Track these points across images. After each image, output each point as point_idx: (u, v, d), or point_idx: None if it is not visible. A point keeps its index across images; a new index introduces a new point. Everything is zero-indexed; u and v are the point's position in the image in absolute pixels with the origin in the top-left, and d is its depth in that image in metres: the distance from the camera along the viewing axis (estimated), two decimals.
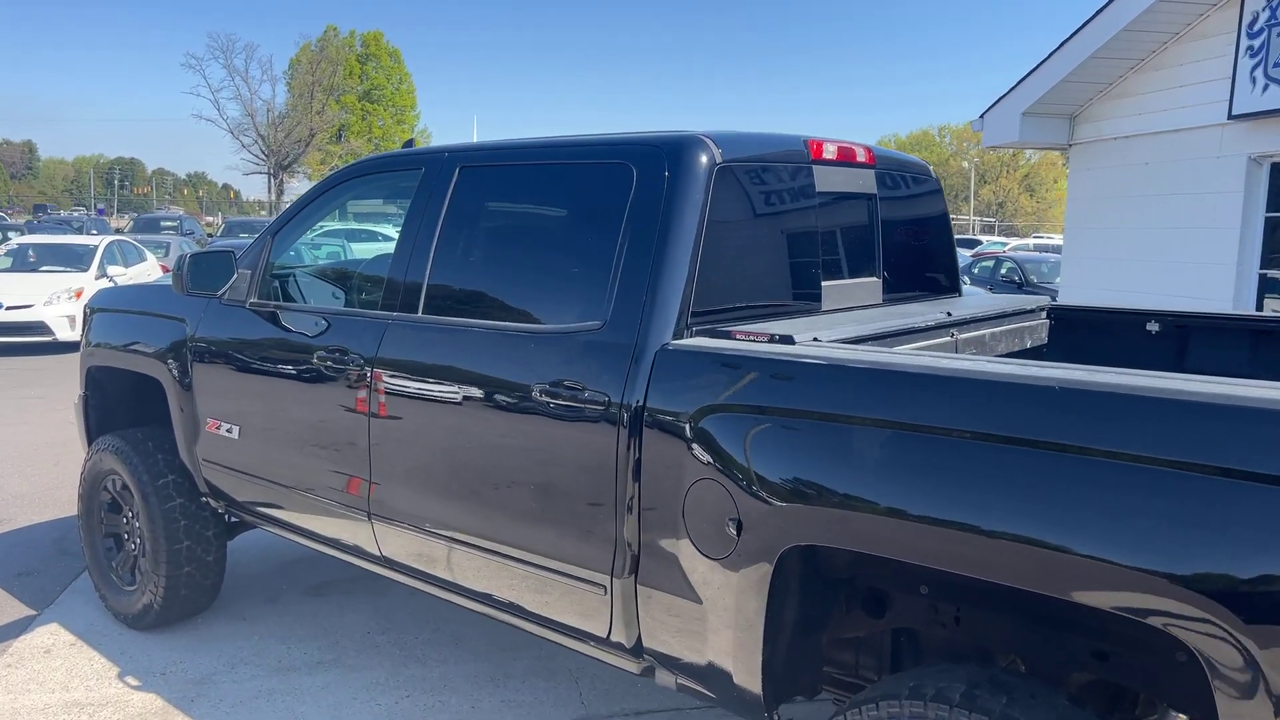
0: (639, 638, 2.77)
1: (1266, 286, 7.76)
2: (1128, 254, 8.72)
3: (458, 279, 3.40)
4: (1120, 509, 1.88)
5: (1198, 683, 1.89)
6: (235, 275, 4.03)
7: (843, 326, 2.90)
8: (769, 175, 3.11)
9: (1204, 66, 7.81)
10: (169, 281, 4.25)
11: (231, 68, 48.17)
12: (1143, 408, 1.92)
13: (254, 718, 3.84)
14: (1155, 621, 1.85)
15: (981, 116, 9.91)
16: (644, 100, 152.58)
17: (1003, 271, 18.12)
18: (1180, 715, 2.45)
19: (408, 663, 4.29)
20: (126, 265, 16.02)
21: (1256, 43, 7.16)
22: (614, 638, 2.83)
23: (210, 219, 67.37)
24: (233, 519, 4.53)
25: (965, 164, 75.15)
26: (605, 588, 2.78)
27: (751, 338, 2.65)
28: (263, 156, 48.76)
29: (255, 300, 3.98)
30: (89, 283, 14.14)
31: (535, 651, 4.34)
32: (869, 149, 3.50)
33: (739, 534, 2.42)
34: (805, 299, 3.20)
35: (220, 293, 4.07)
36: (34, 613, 4.84)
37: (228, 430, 4.08)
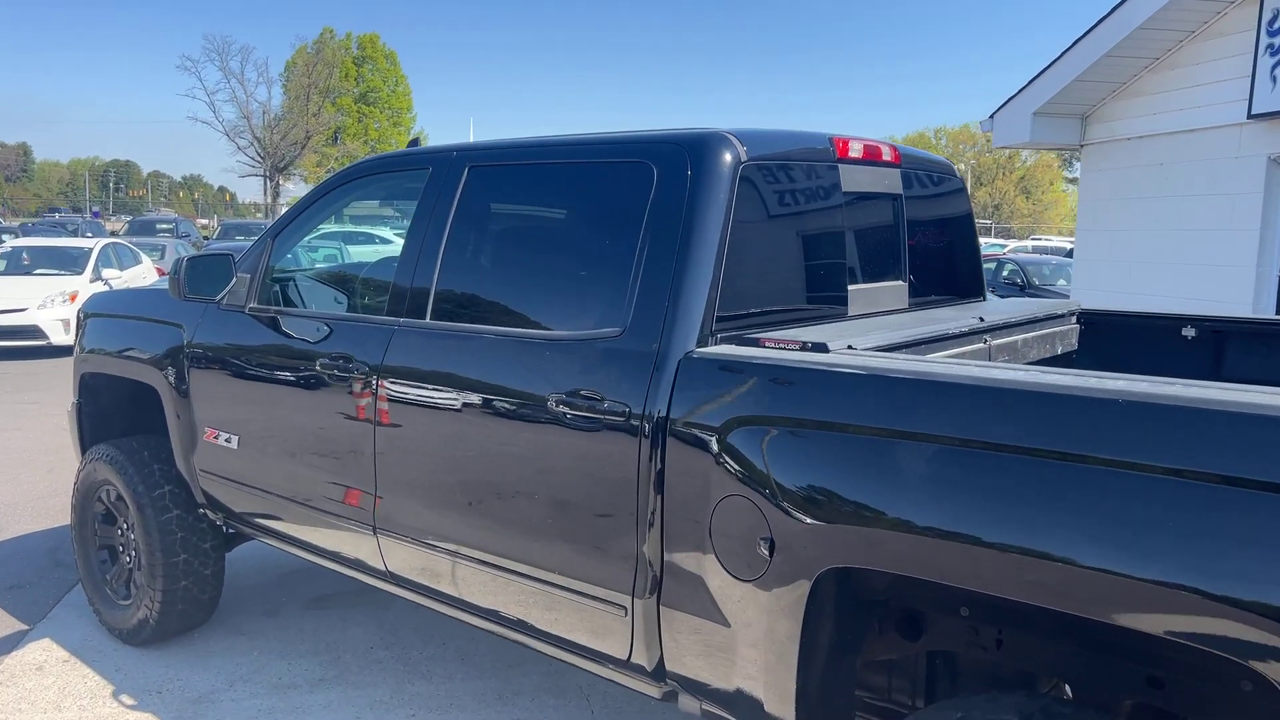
0: (660, 660, 2.65)
1: None
2: (1141, 256, 8.58)
3: (467, 283, 3.27)
4: (1185, 529, 1.76)
5: (1267, 714, 1.79)
6: (234, 279, 3.91)
7: (874, 333, 2.76)
8: (794, 174, 2.97)
9: (1222, 65, 7.68)
10: (165, 285, 4.12)
11: (227, 70, 47.67)
12: (1209, 422, 1.80)
13: None
14: (1221, 649, 1.73)
15: (991, 117, 9.78)
16: (642, 100, 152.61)
17: (1005, 274, 17.86)
18: None
19: (412, 679, 4.15)
20: (122, 268, 15.96)
21: (1277, 41, 7.02)
22: (635, 660, 2.70)
23: (206, 222, 67.25)
24: (231, 531, 4.39)
25: (961, 166, 75.29)
26: (626, 608, 2.65)
27: (782, 346, 2.52)
28: (258, 159, 48.52)
29: (255, 305, 3.85)
30: (84, 286, 14.03)
31: (544, 668, 4.21)
32: (894, 147, 3.37)
33: (771, 554, 2.29)
34: (831, 304, 3.07)
35: (219, 297, 3.95)
36: (26, 627, 4.70)
37: (226, 440, 3.94)
